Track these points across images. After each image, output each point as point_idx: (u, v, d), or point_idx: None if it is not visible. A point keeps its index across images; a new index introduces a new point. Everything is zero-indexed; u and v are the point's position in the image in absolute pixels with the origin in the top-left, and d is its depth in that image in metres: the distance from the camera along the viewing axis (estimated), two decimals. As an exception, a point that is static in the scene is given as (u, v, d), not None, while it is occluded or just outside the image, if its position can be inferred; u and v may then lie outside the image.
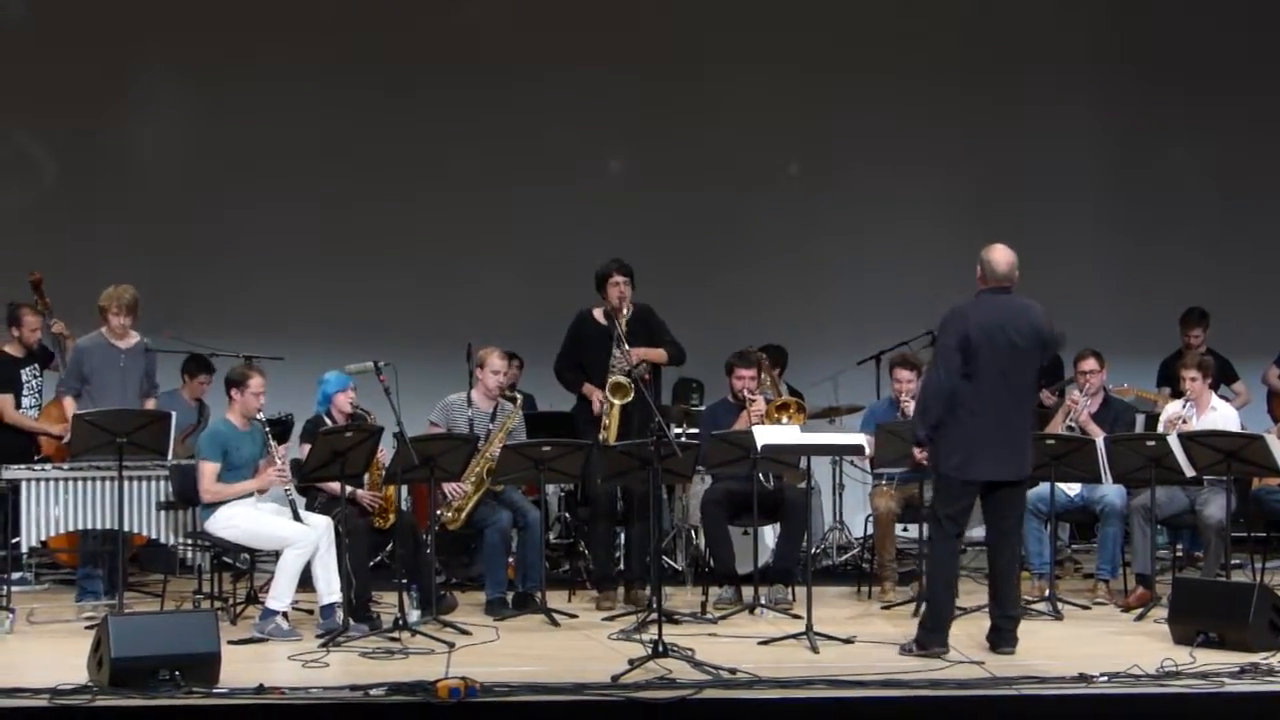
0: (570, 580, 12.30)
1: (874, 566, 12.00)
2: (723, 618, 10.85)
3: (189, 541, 11.03)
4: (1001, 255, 9.45)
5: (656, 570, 10.78)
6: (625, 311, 11.38)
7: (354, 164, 15.14)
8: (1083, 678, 8.60)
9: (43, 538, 10.66)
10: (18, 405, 12.04)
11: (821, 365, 15.07)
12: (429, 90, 15.29)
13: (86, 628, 10.10)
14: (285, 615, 10.16)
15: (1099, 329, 13.97)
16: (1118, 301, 15.53)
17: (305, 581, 10.26)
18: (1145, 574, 11.21)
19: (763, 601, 11.03)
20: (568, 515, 13.24)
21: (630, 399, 11.15)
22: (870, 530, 12.33)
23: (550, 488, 12.60)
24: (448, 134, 15.24)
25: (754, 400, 11.57)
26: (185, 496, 10.73)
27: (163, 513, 10.81)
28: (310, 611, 10.49)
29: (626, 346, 11.26)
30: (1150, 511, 11.08)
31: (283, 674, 8.90)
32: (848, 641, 9.88)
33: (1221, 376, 12.70)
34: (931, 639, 9.38)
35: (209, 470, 10.33)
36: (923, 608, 9.96)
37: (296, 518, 10.25)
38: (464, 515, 11.28)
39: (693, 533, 12.57)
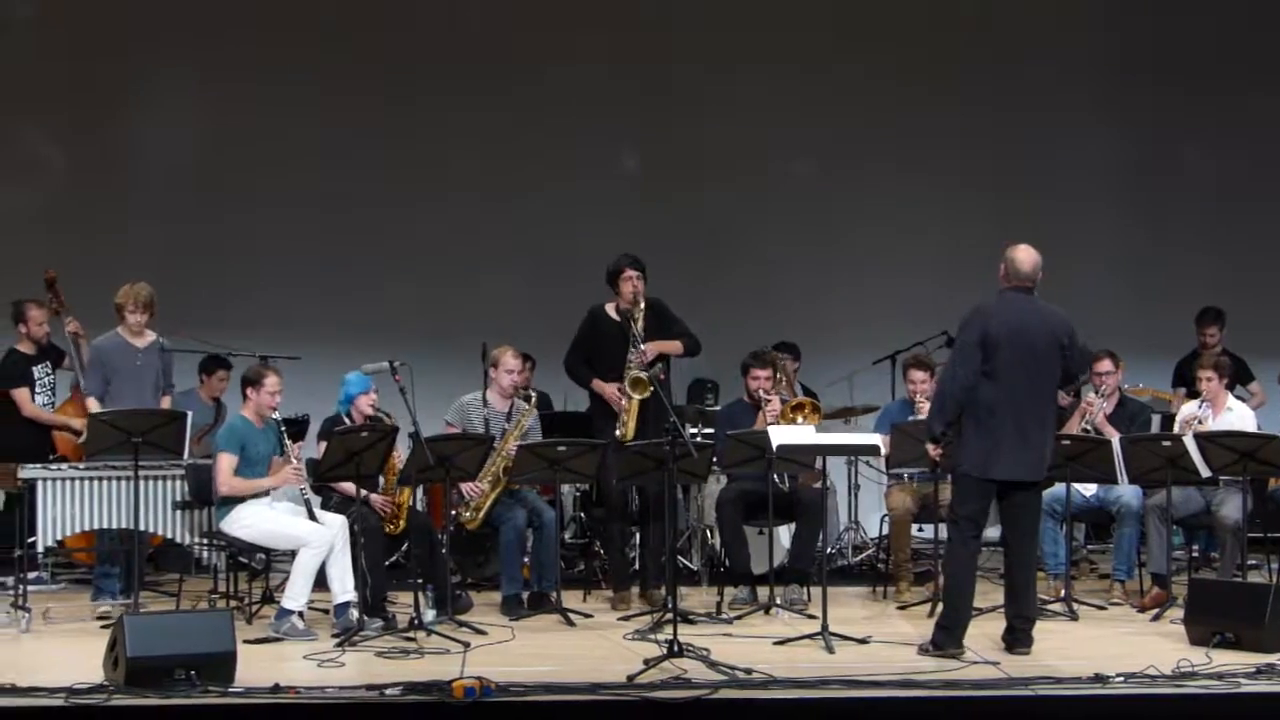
0: (585, 580, 12.30)
1: (889, 566, 12.00)
2: (738, 618, 10.84)
3: (205, 541, 11.06)
4: (1025, 255, 9.44)
5: (672, 570, 10.77)
6: (639, 306, 11.34)
7: (369, 164, 15.16)
8: (1098, 678, 8.58)
9: (59, 537, 10.67)
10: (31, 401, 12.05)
11: (836, 365, 15.07)
12: (444, 91, 15.29)
13: (102, 627, 10.11)
14: (301, 615, 10.17)
15: (1114, 329, 13.94)
16: (1133, 302, 15.49)
17: (321, 581, 10.27)
18: (1161, 574, 11.20)
19: (778, 602, 11.02)
20: (583, 515, 13.24)
21: (649, 394, 11.12)
22: (885, 530, 12.33)
23: (565, 487, 12.62)
24: (464, 134, 15.25)
25: (769, 401, 11.56)
26: (201, 496, 10.75)
27: (178, 512, 10.82)
28: (326, 611, 10.50)
29: (641, 346, 11.24)
30: (1166, 512, 11.07)
31: (298, 673, 8.91)
32: (863, 642, 9.88)
33: (1237, 377, 12.68)
34: (948, 640, 9.37)
35: (226, 463, 10.35)
36: (939, 608, 9.93)
37: (312, 517, 10.26)
38: (482, 514, 11.29)
39: (708, 533, 12.56)
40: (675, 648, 9.18)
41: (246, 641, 9.47)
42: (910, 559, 11.92)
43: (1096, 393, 11.85)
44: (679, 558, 12.13)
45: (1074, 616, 10.83)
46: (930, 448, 9.65)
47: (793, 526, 11.72)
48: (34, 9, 15.17)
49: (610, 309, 11.51)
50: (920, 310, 13.89)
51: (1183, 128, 15.93)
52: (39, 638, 10.32)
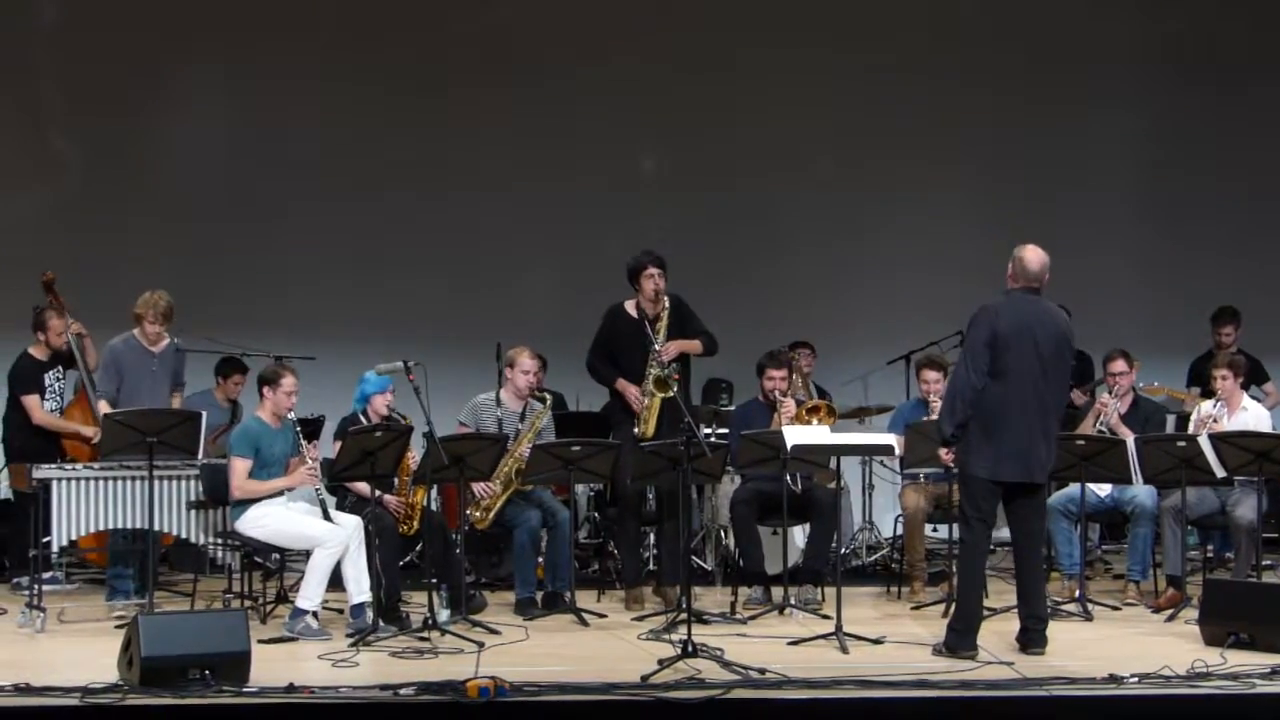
0: (599, 580, 12.31)
1: (904, 567, 11.98)
2: (752, 618, 10.85)
3: (219, 541, 11.06)
4: (1034, 255, 9.44)
5: (686, 570, 10.75)
6: (661, 303, 11.34)
7: (383, 164, 15.15)
8: (1113, 679, 8.57)
9: (73, 537, 10.68)
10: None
11: (851, 365, 15.08)
12: (459, 90, 15.28)
13: (116, 627, 10.14)
14: (315, 615, 10.18)
15: (1129, 328, 13.98)
16: (1148, 300, 15.47)
17: (335, 581, 10.28)
18: (1176, 575, 11.18)
19: (792, 602, 11.03)
20: (597, 515, 13.24)
21: (672, 394, 11.10)
22: (900, 530, 12.32)
23: (580, 487, 12.61)
24: (478, 133, 15.24)
25: (784, 402, 11.56)
26: (215, 496, 10.77)
27: (193, 512, 10.84)
28: (340, 611, 10.51)
29: (657, 347, 11.24)
30: (1181, 512, 11.05)
31: (313, 673, 8.93)
32: (877, 642, 9.88)
33: (1253, 377, 12.66)
34: (961, 642, 9.36)
35: (240, 467, 10.36)
36: (952, 609, 9.92)
37: (327, 517, 10.28)
38: (491, 515, 11.29)
39: (722, 533, 12.55)
40: (689, 648, 9.18)
41: (261, 641, 9.50)
42: (924, 559, 11.91)
43: (1110, 393, 11.83)
44: (693, 558, 12.13)
45: (1089, 617, 10.82)
46: (942, 452, 9.64)
47: (807, 527, 11.71)
48: (60, 11, 15.18)
49: (630, 307, 11.49)
50: (935, 310, 13.86)
51: (1202, 127, 15.86)
52: (54, 637, 10.34)
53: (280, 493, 10.47)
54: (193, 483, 10.79)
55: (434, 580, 10.49)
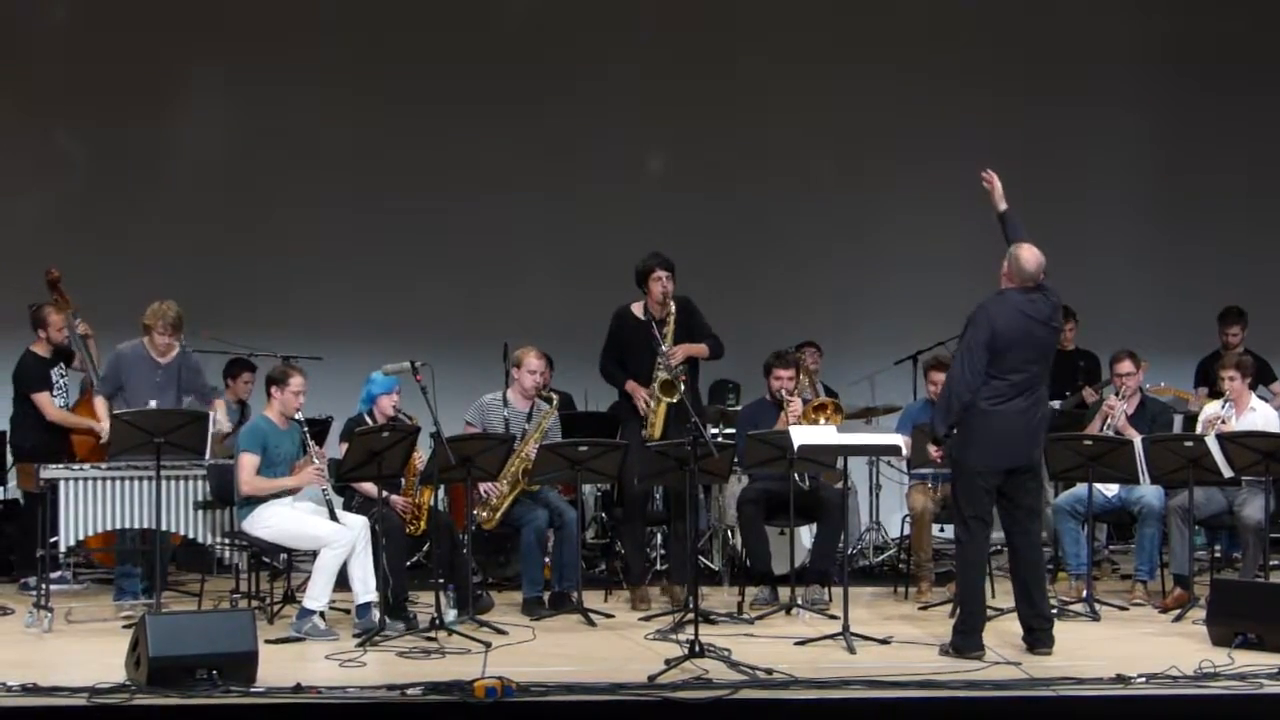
0: (607, 580, 12.31)
1: (911, 567, 11.99)
2: (759, 618, 10.85)
3: (226, 541, 11.06)
4: (1030, 254, 9.45)
5: (693, 570, 10.75)
6: (668, 307, 11.36)
7: (389, 165, 15.18)
8: (1120, 679, 8.57)
9: (80, 537, 10.69)
10: (49, 403, 12.10)
11: (858, 365, 15.08)
12: (466, 92, 15.29)
13: (124, 627, 10.16)
14: (322, 615, 10.19)
15: (1135, 328, 13.98)
16: (1154, 301, 15.48)
17: (342, 581, 10.28)
18: (1183, 575, 11.16)
19: (799, 602, 11.03)
20: (604, 515, 13.23)
21: (678, 397, 11.12)
22: (907, 530, 12.32)
23: (587, 488, 12.61)
24: (485, 135, 15.25)
25: (791, 401, 11.56)
26: (223, 496, 10.76)
27: (200, 512, 10.83)
28: (347, 611, 10.52)
29: (664, 348, 11.25)
30: (1188, 512, 11.05)
31: (320, 673, 8.94)
32: (884, 642, 9.88)
33: (1260, 377, 12.65)
34: (967, 643, 9.37)
35: (249, 463, 10.36)
36: (957, 611, 9.92)
37: (334, 517, 10.28)
38: (499, 515, 11.30)
39: (729, 533, 12.56)
40: (696, 648, 9.19)
41: (268, 641, 9.51)
42: (932, 559, 11.93)
43: (1118, 394, 11.82)
44: (700, 558, 12.13)
45: (1096, 617, 10.81)
46: (931, 449, 9.66)
47: (814, 527, 11.72)
48: (65, 11, 15.19)
49: (636, 309, 11.51)
50: (942, 310, 13.79)
51: (1207, 127, 15.87)
52: (61, 637, 10.34)
53: (288, 493, 10.47)
54: (200, 483, 10.79)
55: (441, 580, 10.49)
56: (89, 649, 9.89)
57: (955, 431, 9.38)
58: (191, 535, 10.89)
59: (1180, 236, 15.77)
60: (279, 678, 8.56)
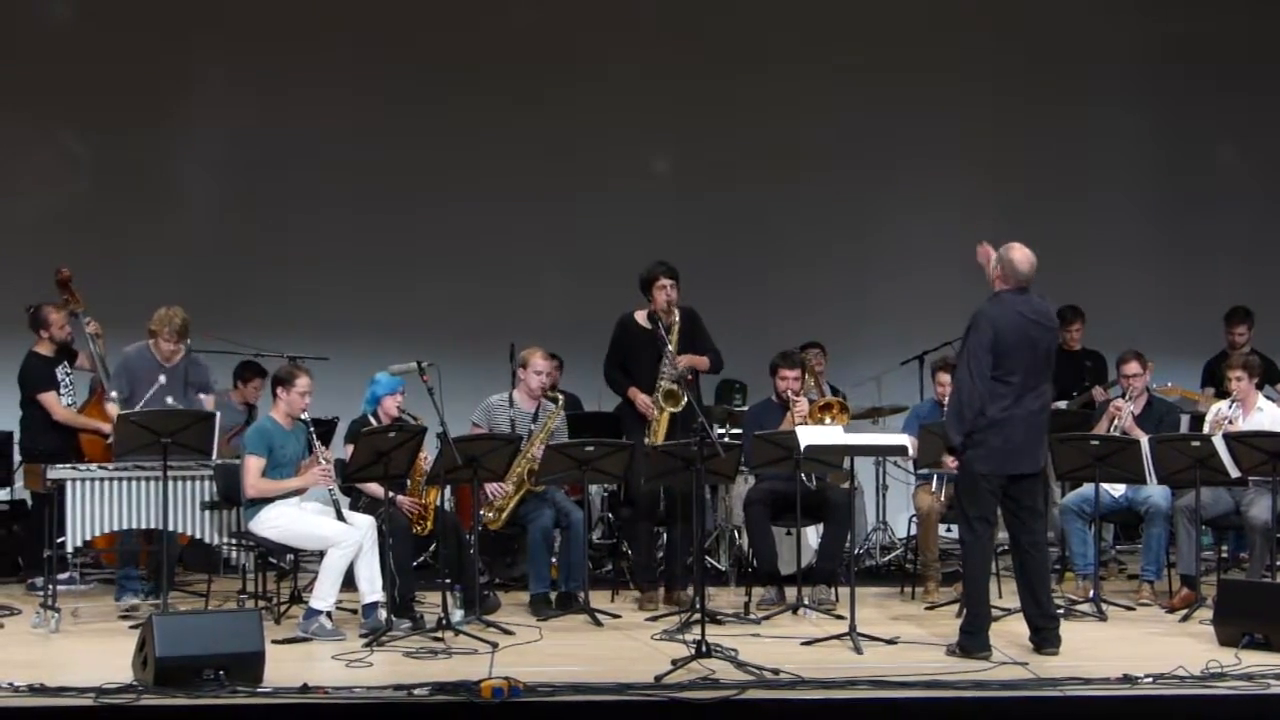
0: (613, 580, 12.30)
1: (917, 567, 11.99)
2: (766, 618, 10.85)
3: (233, 541, 11.07)
4: (1022, 255, 9.45)
5: (700, 570, 10.76)
6: (672, 315, 11.38)
7: (396, 165, 15.18)
8: (1127, 679, 8.56)
9: (87, 538, 10.69)
10: (56, 403, 12.10)
11: (865, 366, 15.06)
12: (473, 92, 15.28)
13: (131, 627, 10.15)
14: (329, 615, 10.18)
15: (1142, 329, 13.96)
16: (1160, 301, 15.47)
17: (349, 581, 10.28)
18: (1190, 575, 11.16)
19: (806, 602, 11.02)
20: (611, 515, 13.23)
21: (681, 407, 11.14)
22: (913, 530, 12.32)
23: (593, 488, 12.61)
24: (491, 136, 15.24)
25: (797, 401, 11.56)
26: (230, 496, 10.77)
27: (207, 513, 10.85)
28: (354, 611, 10.51)
29: (671, 351, 11.25)
30: (1195, 512, 11.04)
31: (327, 673, 8.94)
32: (891, 642, 9.88)
33: (1267, 377, 12.64)
34: (974, 644, 9.36)
35: (254, 465, 10.36)
36: (963, 612, 9.91)
37: (340, 517, 10.28)
38: (504, 515, 11.30)
39: (736, 533, 12.56)
40: (703, 648, 9.18)
41: (275, 641, 9.50)
42: (938, 559, 11.93)
43: (1124, 395, 11.81)
44: (707, 558, 12.13)
45: (1103, 617, 10.81)
46: (948, 460, 9.64)
47: (820, 527, 11.71)
48: (69, 11, 15.20)
49: (640, 316, 11.52)
50: (949, 310, 13.74)
51: (1212, 126, 15.89)
52: (68, 637, 10.35)
53: (294, 493, 10.48)
54: (207, 483, 10.80)
55: (448, 580, 10.49)
56: (96, 649, 9.90)
57: (968, 440, 9.36)
58: (198, 535, 10.93)
59: (1185, 237, 15.77)
60: (286, 678, 8.56)
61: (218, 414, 10.77)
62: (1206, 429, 11.53)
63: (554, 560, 11.46)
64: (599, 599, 11.30)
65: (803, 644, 9.88)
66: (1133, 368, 11.81)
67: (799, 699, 8.44)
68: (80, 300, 12.12)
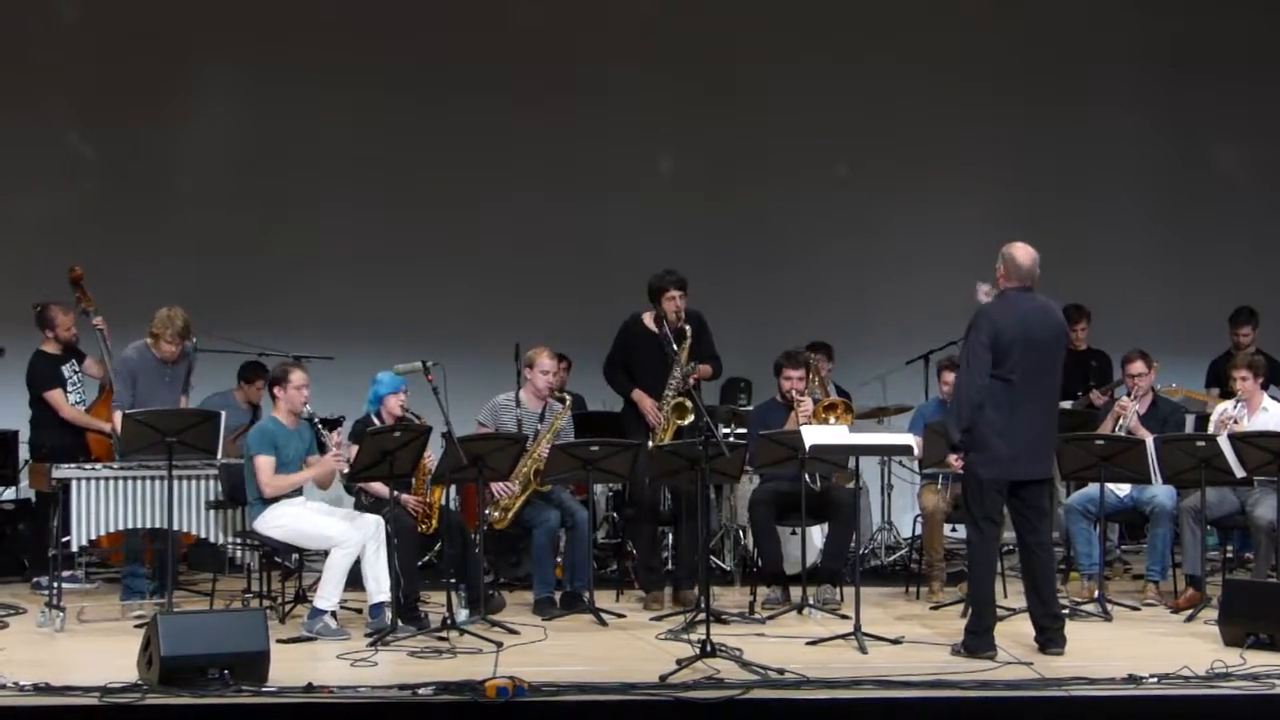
0: (618, 580, 12.29)
1: (922, 567, 11.99)
2: (771, 618, 10.84)
3: (238, 541, 11.07)
4: (1024, 253, 9.44)
5: (704, 570, 10.76)
6: (682, 324, 11.38)
7: (401, 165, 15.18)
8: (1132, 679, 8.57)
9: (92, 537, 10.69)
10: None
11: (870, 365, 15.08)
12: (478, 93, 15.25)
13: (136, 626, 10.15)
14: (334, 614, 10.19)
15: (1146, 329, 13.95)
16: (1165, 301, 15.46)
17: (355, 580, 10.28)
18: (1195, 575, 11.16)
19: (811, 602, 11.01)
20: (615, 515, 13.24)
21: (690, 420, 11.15)
22: (918, 530, 12.31)
23: (598, 488, 12.62)
24: (502, 136, 15.23)
25: (802, 401, 11.56)
26: (234, 496, 10.77)
27: (212, 512, 10.85)
28: (359, 610, 10.52)
29: (680, 364, 11.25)
30: (1200, 512, 11.03)
31: (331, 673, 8.94)
32: (896, 642, 9.88)
33: (1271, 377, 12.62)
34: (979, 644, 9.36)
35: (265, 464, 10.35)
36: (969, 612, 9.90)
37: (359, 506, 10.24)
38: (510, 515, 11.30)
39: (740, 533, 12.56)
40: (708, 648, 9.19)
41: (280, 641, 9.51)
42: (943, 559, 11.91)
43: (1129, 395, 11.81)
44: (712, 558, 12.12)
45: (1108, 617, 10.81)
46: (952, 458, 9.63)
47: (825, 527, 11.71)
48: (75, 10, 15.20)
49: (647, 319, 11.51)
50: (954, 310, 13.72)
51: (1215, 127, 15.89)
52: (73, 637, 10.36)
53: (301, 490, 10.48)
54: (212, 482, 10.81)
55: (453, 580, 10.49)
56: (101, 648, 9.92)
57: (970, 433, 9.36)
58: (203, 535, 10.93)
59: (1189, 236, 15.77)
60: (290, 677, 8.57)
61: (223, 413, 10.77)
62: (1211, 429, 11.53)
63: (559, 560, 11.45)
64: (604, 599, 11.29)
65: (808, 644, 9.88)
66: (1138, 367, 11.81)
67: (804, 699, 8.43)
68: (91, 299, 12.12)
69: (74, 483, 10.54)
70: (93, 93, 14.93)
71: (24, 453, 12.54)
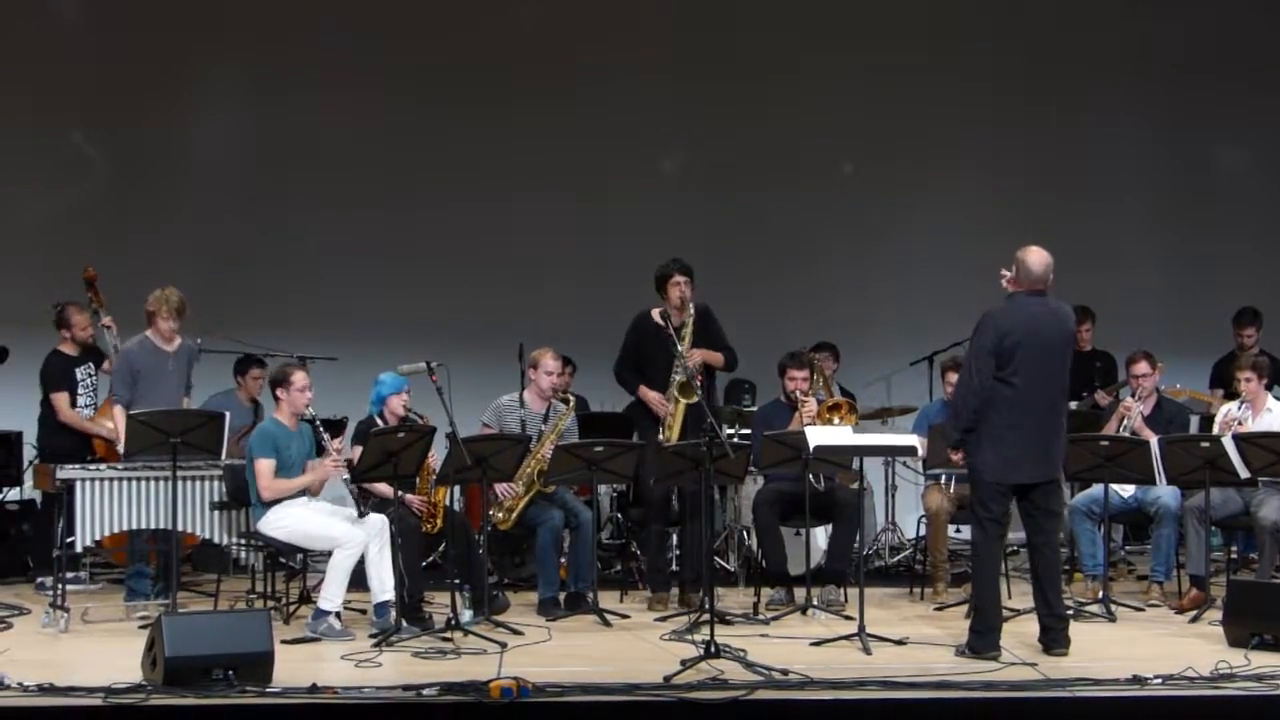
0: (622, 581, 12.30)
1: (927, 567, 11.99)
2: (775, 619, 10.85)
3: (242, 541, 11.07)
4: (1037, 257, 9.43)
5: (709, 571, 10.76)
6: (687, 311, 11.38)
7: (406, 166, 15.17)
8: (1136, 680, 8.56)
9: (96, 537, 10.69)
10: (73, 404, 12.03)
11: (874, 366, 15.07)
12: (483, 93, 15.24)
13: (140, 627, 10.16)
14: (338, 615, 10.19)
15: (1150, 329, 13.95)
16: (1169, 302, 15.45)
17: (359, 581, 10.28)
18: (1199, 576, 11.14)
19: (815, 602, 11.02)
20: (620, 516, 13.24)
21: (696, 399, 11.13)
22: (923, 531, 12.31)
23: (602, 488, 12.61)
24: (504, 136, 15.22)
25: (806, 401, 11.56)
26: (239, 497, 10.76)
27: (216, 513, 10.84)
28: (363, 611, 10.52)
29: (680, 349, 11.25)
30: (1204, 513, 11.03)
31: (335, 673, 8.94)
32: (900, 643, 9.88)
33: (1276, 377, 12.63)
34: (984, 644, 9.36)
35: (266, 467, 10.35)
36: (973, 612, 9.90)
37: (359, 507, 10.25)
38: (514, 516, 11.30)
39: (745, 533, 12.56)
40: (712, 648, 9.19)
41: (284, 641, 9.52)
42: (948, 559, 11.92)
43: (1134, 395, 11.81)
44: (716, 558, 12.13)
45: (1112, 618, 10.80)
46: (952, 454, 9.64)
47: (829, 527, 11.71)
48: (81, 12, 15.21)
49: (656, 314, 11.50)
50: (958, 311, 13.71)
51: (1219, 128, 15.87)
52: (77, 637, 10.36)
53: (304, 491, 10.48)
54: (216, 483, 10.80)
55: (457, 581, 10.49)
56: (105, 649, 9.91)
57: (970, 434, 9.36)
58: (207, 535, 10.92)
59: (1192, 237, 15.75)
60: (295, 678, 8.57)
61: (227, 414, 10.77)
62: (1216, 429, 11.53)
63: (563, 561, 11.45)
64: (608, 599, 11.30)
65: (812, 644, 9.88)
66: (1142, 368, 11.80)
67: (808, 699, 8.44)
68: (103, 300, 12.13)
69: (78, 483, 10.55)
70: (94, 93, 14.92)
71: (29, 453, 12.56)
